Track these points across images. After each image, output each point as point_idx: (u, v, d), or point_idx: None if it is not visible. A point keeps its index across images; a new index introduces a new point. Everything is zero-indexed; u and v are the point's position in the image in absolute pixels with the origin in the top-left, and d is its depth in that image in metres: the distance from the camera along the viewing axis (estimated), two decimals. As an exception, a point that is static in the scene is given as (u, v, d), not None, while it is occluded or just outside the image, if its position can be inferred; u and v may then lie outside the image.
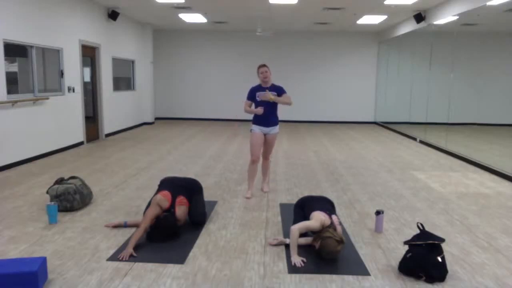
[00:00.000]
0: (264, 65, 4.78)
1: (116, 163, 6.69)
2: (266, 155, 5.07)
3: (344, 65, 13.26)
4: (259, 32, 11.35)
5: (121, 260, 3.13)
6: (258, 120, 4.83)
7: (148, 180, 5.58)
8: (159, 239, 3.48)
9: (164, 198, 3.66)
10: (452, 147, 7.97)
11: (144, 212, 3.57)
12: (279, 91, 4.77)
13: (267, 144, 4.96)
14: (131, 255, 3.19)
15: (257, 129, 4.86)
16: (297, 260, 3.12)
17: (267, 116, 4.79)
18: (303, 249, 3.33)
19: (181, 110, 13.66)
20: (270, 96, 4.64)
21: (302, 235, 3.41)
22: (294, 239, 3.23)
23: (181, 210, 3.71)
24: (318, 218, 3.35)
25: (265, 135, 4.89)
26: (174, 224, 3.56)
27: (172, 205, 3.69)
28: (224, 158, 7.23)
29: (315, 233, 3.31)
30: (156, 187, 4.15)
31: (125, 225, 3.81)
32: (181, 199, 3.78)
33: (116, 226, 3.81)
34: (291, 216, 3.80)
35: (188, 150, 7.93)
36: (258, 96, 4.74)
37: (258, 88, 4.81)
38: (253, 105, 4.85)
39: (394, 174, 6.17)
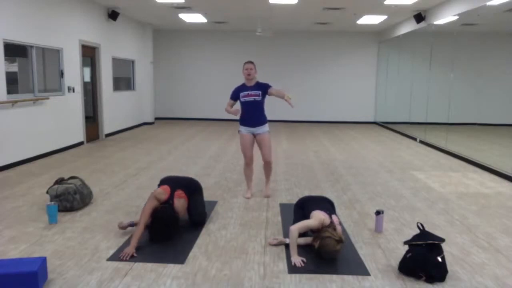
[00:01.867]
0: (250, 62, 4.67)
1: (116, 163, 6.69)
2: (264, 157, 4.77)
3: (344, 65, 13.26)
4: (259, 32, 11.34)
5: (122, 260, 3.14)
6: (244, 120, 4.72)
7: (148, 180, 5.58)
8: (159, 231, 3.45)
9: (163, 191, 3.65)
10: (452, 147, 7.97)
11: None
12: (265, 87, 4.63)
13: (260, 145, 4.73)
14: (132, 256, 3.18)
15: (244, 130, 4.73)
16: (297, 260, 3.11)
17: (252, 116, 4.66)
18: (303, 249, 3.33)
19: (181, 110, 13.66)
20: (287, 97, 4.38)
21: (302, 234, 3.41)
22: (294, 239, 3.23)
23: (180, 202, 3.68)
24: (317, 217, 3.35)
25: (254, 136, 4.74)
26: (172, 214, 3.53)
27: (171, 197, 3.66)
28: (224, 158, 7.23)
29: (315, 233, 3.31)
30: (156, 187, 4.14)
31: (133, 225, 3.75)
32: (180, 192, 3.76)
33: (126, 227, 3.74)
34: (291, 216, 3.80)
35: (188, 150, 7.93)
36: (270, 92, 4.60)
37: (242, 87, 4.70)
38: (238, 104, 4.73)
39: (394, 174, 6.17)
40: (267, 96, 4.68)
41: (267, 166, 4.86)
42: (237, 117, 4.73)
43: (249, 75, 4.63)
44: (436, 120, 9.09)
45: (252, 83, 4.67)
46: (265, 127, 4.75)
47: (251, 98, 4.62)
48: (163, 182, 3.93)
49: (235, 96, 4.72)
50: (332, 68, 13.30)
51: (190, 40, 13.31)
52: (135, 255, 3.20)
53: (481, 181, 5.88)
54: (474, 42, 9.75)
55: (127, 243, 3.41)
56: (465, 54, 9.44)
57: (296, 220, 3.60)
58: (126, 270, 2.99)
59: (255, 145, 4.86)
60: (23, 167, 6.29)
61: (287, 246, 3.41)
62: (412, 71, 10.41)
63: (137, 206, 4.43)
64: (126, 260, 3.13)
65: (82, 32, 8.33)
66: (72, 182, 4.37)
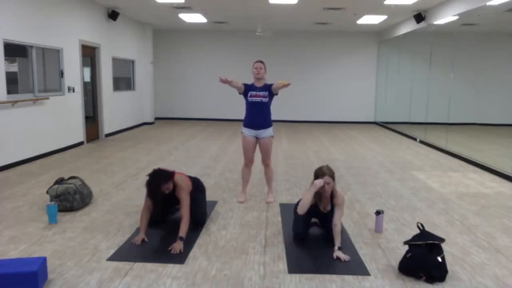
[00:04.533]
0: (260, 61, 4.53)
1: (116, 163, 6.69)
2: (264, 161, 4.67)
3: (344, 65, 13.26)
4: (259, 32, 11.33)
5: (134, 244, 3.36)
6: (247, 122, 4.59)
7: (148, 180, 5.58)
8: (152, 181, 3.45)
9: None
10: (452, 147, 7.97)
11: None
12: (270, 87, 4.48)
13: (262, 149, 4.60)
14: (143, 240, 3.40)
15: (247, 132, 4.57)
16: (318, 181, 3.32)
17: (257, 117, 4.52)
18: (303, 249, 3.33)
19: (181, 110, 13.66)
20: (284, 83, 4.30)
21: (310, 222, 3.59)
22: (308, 194, 3.41)
23: (180, 178, 3.66)
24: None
25: (258, 139, 4.59)
26: (166, 170, 3.56)
27: None
28: (224, 158, 7.23)
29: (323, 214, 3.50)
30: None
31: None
32: (180, 173, 3.77)
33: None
34: (291, 216, 3.80)
35: (188, 150, 7.93)
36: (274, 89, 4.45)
37: (252, 86, 4.54)
38: (243, 95, 4.58)
39: (394, 174, 6.17)
40: (275, 97, 4.54)
41: (267, 171, 4.72)
42: (233, 87, 4.50)
43: (258, 73, 4.49)
44: (436, 120, 9.10)
45: (261, 84, 4.54)
46: (269, 131, 4.59)
47: (258, 99, 4.48)
48: None
49: (245, 87, 4.52)
50: (332, 68, 13.30)
51: (190, 40, 13.31)
52: (146, 240, 3.43)
53: (481, 181, 5.88)
54: (474, 42, 9.76)
55: (127, 243, 3.43)
56: (465, 54, 9.45)
57: (296, 220, 3.60)
58: (126, 270, 2.99)
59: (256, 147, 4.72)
60: (23, 167, 6.29)
61: (287, 245, 3.42)
62: (412, 71, 10.41)
63: (137, 206, 4.43)
64: (137, 245, 3.35)
65: (82, 32, 8.33)
66: (72, 182, 4.37)
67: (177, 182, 3.59)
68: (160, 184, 3.45)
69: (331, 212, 3.45)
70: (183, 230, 3.42)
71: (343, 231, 3.71)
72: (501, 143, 8.87)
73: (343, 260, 3.15)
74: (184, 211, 3.52)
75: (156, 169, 3.56)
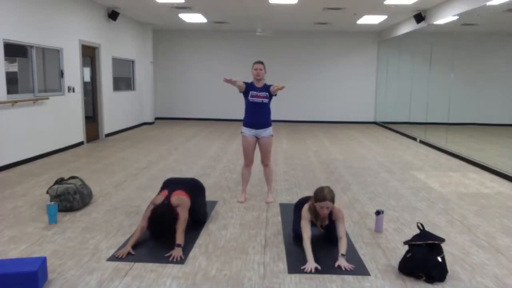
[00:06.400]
0: (260, 62, 4.53)
1: (116, 163, 6.69)
2: (263, 161, 4.70)
3: (344, 65, 13.26)
4: (259, 32, 11.33)
5: (119, 258, 3.15)
6: (248, 120, 4.61)
7: (148, 180, 5.58)
8: (158, 227, 3.41)
9: (160, 196, 3.61)
10: (452, 147, 7.97)
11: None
12: (269, 88, 4.51)
13: (261, 149, 4.63)
14: (128, 253, 3.20)
15: (248, 131, 4.59)
16: (312, 265, 3.03)
17: (257, 117, 4.55)
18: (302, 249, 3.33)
19: (181, 110, 13.66)
20: (278, 87, 4.32)
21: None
22: (306, 246, 3.18)
23: (178, 199, 3.55)
24: (304, 208, 3.40)
25: (258, 138, 4.62)
26: (167, 204, 3.45)
27: (167, 198, 3.55)
28: (224, 158, 7.23)
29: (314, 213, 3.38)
30: (157, 187, 4.13)
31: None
32: (178, 192, 3.65)
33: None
34: (291, 216, 3.80)
35: (188, 150, 7.93)
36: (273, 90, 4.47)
37: (252, 86, 4.54)
38: (245, 95, 4.58)
39: (394, 174, 6.17)
40: (273, 97, 4.56)
41: (267, 171, 4.74)
42: (236, 87, 4.49)
43: (258, 75, 4.50)
44: (436, 120, 9.10)
45: (260, 84, 4.55)
46: (269, 131, 4.62)
47: (259, 100, 4.50)
48: (165, 184, 3.90)
49: (247, 86, 4.51)
50: (332, 68, 13.29)
51: (190, 40, 13.31)
52: (132, 253, 3.22)
53: (481, 181, 5.88)
54: (474, 42, 9.77)
55: (126, 243, 3.41)
56: (465, 54, 9.45)
57: (296, 220, 3.60)
58: (126, 270, 2.99)
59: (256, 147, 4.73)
60: (23, 167, 6.29)
61: (287, 245, 3.41)
62: (412, 71, 10.41)
63: (137, 206, 4.43)
64: (123, 258, 3.14)
65: (82, 32, 8.33)
66: (72, 182, 4.37)
67: (176, 204, 3.50)
68: (169, 224, 3.39)
69: (330, 224, 3.42)
70: (180, 239, 3.31)
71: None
72: (501, 143, 8.87)
73: (343, 269, 3.03)
74: (180, 225, 3.41)
75: (157, 214, 3.38)
